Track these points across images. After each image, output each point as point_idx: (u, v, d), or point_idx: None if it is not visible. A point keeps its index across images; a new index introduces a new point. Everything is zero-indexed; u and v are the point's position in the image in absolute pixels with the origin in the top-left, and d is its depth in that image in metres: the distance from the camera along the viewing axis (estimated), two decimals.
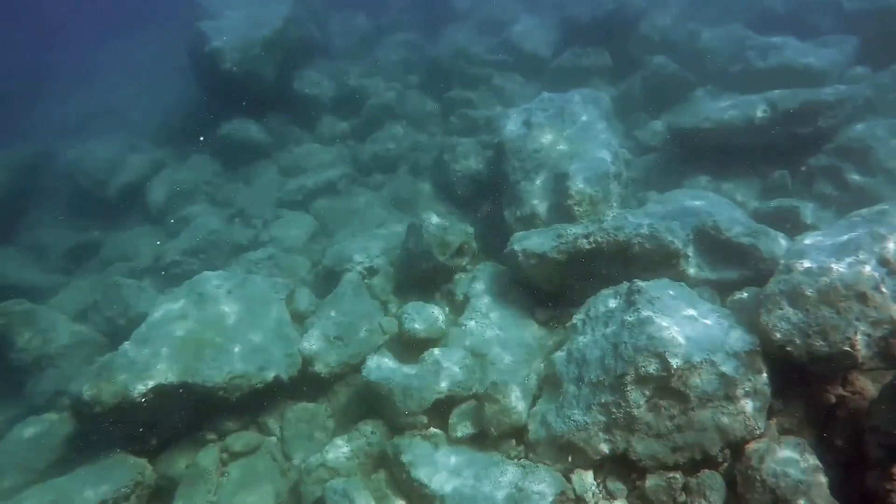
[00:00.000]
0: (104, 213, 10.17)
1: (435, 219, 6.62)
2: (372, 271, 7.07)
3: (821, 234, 4.96)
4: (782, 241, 5.55)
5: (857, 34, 8.11)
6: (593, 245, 5.51)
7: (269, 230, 8.21)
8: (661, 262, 5.59)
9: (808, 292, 4.32)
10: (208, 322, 5.99)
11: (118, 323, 7.33)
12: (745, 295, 5.24)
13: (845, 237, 4.75)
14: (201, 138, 9.99)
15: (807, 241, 4.78)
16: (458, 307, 6.42)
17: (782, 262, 4.66)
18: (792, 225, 6.02)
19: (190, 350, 5.68)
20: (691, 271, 5.82)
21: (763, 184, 6.98)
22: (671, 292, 4.96)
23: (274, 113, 10.45)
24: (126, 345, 5.75)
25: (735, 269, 5.68)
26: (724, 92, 8.47)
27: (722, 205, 6.28)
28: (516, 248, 5.81)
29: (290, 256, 7.69)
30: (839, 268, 4.28)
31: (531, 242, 5.76)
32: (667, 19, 9.46)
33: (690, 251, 5.90)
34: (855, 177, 6.32)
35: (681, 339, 4.47)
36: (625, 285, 5.13)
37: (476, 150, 8.25)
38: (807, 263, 4.44)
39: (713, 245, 5.84)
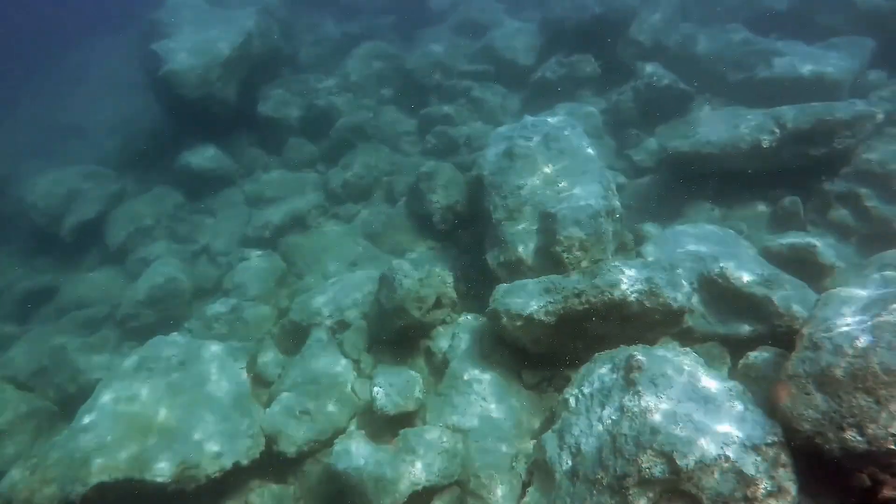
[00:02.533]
0: (60, 252, 9.47)
1: (408, 270, 5.92)
2: (343, 325, 6.39)
3: (848, 291, 4.29)
4: (800, 294, 4.89)
5: (871, 35, 7.35)
6: (586, 306, 4.84)
7: (233, 276, 7.49)
8: (662, 320, 4.92)
9: (840, 376, 3.65)
10: (158, 402, 5.35)
11: (68, 390, 6.68)
12: (760, 359, 4.58)
13: (879, 296, 4.08)
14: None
15: (833, 306, 4.11)
16: (438, 368, 5.76)
17: (806, 332, 3.99)
18: (809, 267, 5.34)
19: (137, 438, 5.05)
20: (697, 325, 5.17)
21: (773, 211, 6.29)
22: (675, 366, 4.28)
23: (239, 136, 9.71)
24: (65, 433, 5.15)
25: (746, 323, 5.03)
26: (725, 103, 7.75)
27: (729, 245, 5.60)
28: (499, 308, 5.12)
29: (255, 308, 6.99)
30: (877, 347, 3.61)
31: (516, 302, 5.07)
32: (658, 22, 8.66)
33: (695, 301, 5.24)
34: (877, 204, 5.63)
35: (691, 435, 3.81)
36: (622, 356, 4.46)
37: (455, 178, 7.52)
38: (837, 339, 3.77)
39: (721, 295, 5.18)
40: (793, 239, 5.45)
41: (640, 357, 4.26)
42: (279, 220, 8.09)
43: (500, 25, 10.21)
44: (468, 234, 7.21)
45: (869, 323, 3.78)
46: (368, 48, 10.21)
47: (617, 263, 5.02)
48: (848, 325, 3.84)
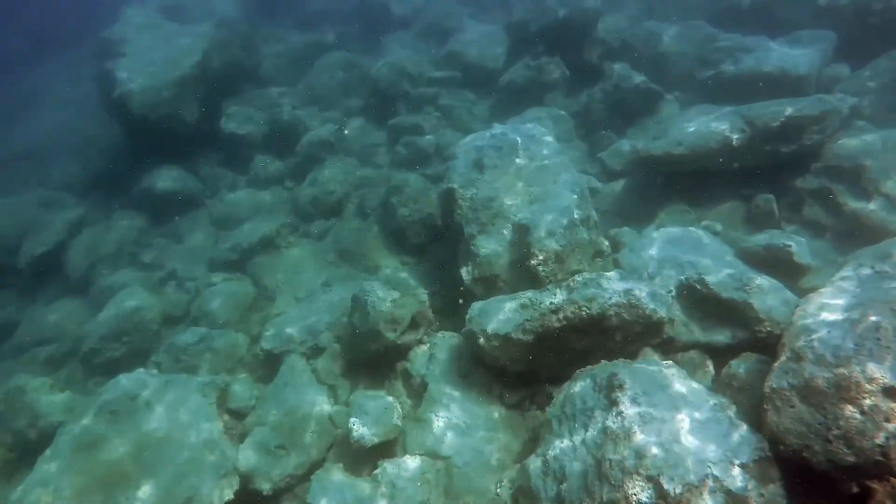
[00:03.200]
0: (18, 285, 9.06)
1: (380, 291, 5.73)
2: (316, 350, 6.18)
3: (827, 294, 4.22)
4: (779, 297, 4.81)
5: (832, 28, 7.35)
6: (564, 322, 4.70)
7: (201, 303, 7.20)
8: (643, 332, 4.81)
9: (824, 387, 3.56)
10: (123, 449, 5.09)
11: (28, 436, 6.32)
12: (742, 368, 4.49)
13: (857, 299, 4.02)
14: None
15: (813, 311, 4.02)
16: (416, 391, 5.56)
17: (787, 341, 3.90)
18: (786, 267, 5.27)
19: (100, 490, 4.79)
20: (678, 333, 5.06)
21: (747, 209, 6.23)
22: (658, 382, 4.16)
23: (203, 155, 9.40)
24: (20, 488, 4.86)
25: (727, 329, 4.93)
26: (694, 100, 7.69)
27: (706, 248, 5.50)
28: (475, 329, 4.96)
29: (225, 336, 6.72)
30: (859, 355, 3.53)
31: (492, 321, 4.91)
32: (624, 20, 8.58)
33: (675, 309, 5.14)
34: (849, 201, 5.59)
35: (677, 455, 3.69)
36: (603, 374, 4.32)
37: (426, 190, 7.34)
38: (818, 348, 3.68)
39: (701, 301, 5.08)
40: (768, 239, 5.37)
41: (621, 376, 4.13)
42: (247, 241, 7.81)
43: (464, 30, 10.04)
44: (442, 248, 7.03)
45: (849, 329, 3.70)
46: (332, 58, 9.96)
47: (594, 276, 4.89)
48: (829, 332, 3.75)
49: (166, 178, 8.85)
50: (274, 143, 9.01)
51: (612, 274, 4.93)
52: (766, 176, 6.20)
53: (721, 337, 4.92)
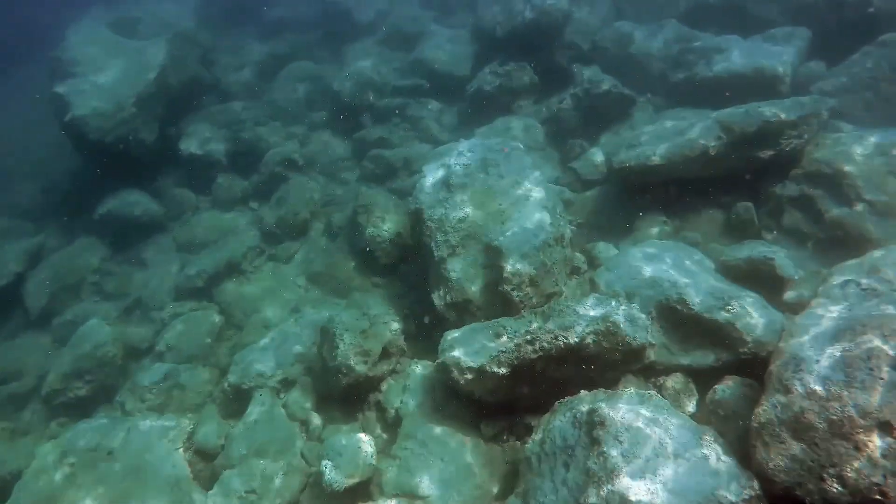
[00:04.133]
0: None
1: (349, 322, 5.46)
2: (287, 383, 5.90)
3: (813, 316, 4.02)
4: (763, 315, 4.61)
5: (806, 24, 7.17)
6: (540, 353, 4.46)
7: (166, 336, 6.86)
8: (622, 360, 4.59)
9: (815, 422, 3.35)
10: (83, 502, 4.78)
11: None
12: (728, 394, 4.28)
13: (845, 321, 3.82)
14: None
15: (800, 336, 3.82)
16: (391, 425, 5.30)
17: (775, 371, 3.69)
18: (768, 280, 5.08)
19: None
20: (659, 357, 4.84)
21: (727, 218, 6.03)
22: (641, 417, 3.93)
23: (164, 176, 9.02)
24: None
25: (710, 351, 4.73)
26: (668, 103, 7.49)
27: (685, 262, 5.29)
28: (448, 362, 4.70)
29: (192, 371, 6.40)
30: (851, 387, 3.31)
31: (465, 354, 4.66)
32: (593, 22, 8.33)
33: (655, 331, 4.92)
34: (830, 208, 5.41)
35: (663, 497, 3.47)
36: (583, 408, 4.08)
37: (395, 207, 7.05)
38: (808, 380, 3.46)
39: (682, 321, 4.87)
40: (749, 252, 5.18)
41: (602, 412, 3.89)
42: (212, 267, 7.48)
43: (430, 35, 9.73)
44: (414, 267, 6.76)
45: (839, 358, 3.50)
46: (295, 70, 9.59)
47: (570, 303, 4.66)
48: (818, 361, 3.55)
49: (126, 202, 8.46)
50: (237, 161, 8.66)
51: (588, 299, 4.69)
52: (744, 182, 6.00)
53: (704, 359, 4.72)
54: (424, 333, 6.13)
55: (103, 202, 8.40)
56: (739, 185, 6.06)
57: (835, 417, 3.29)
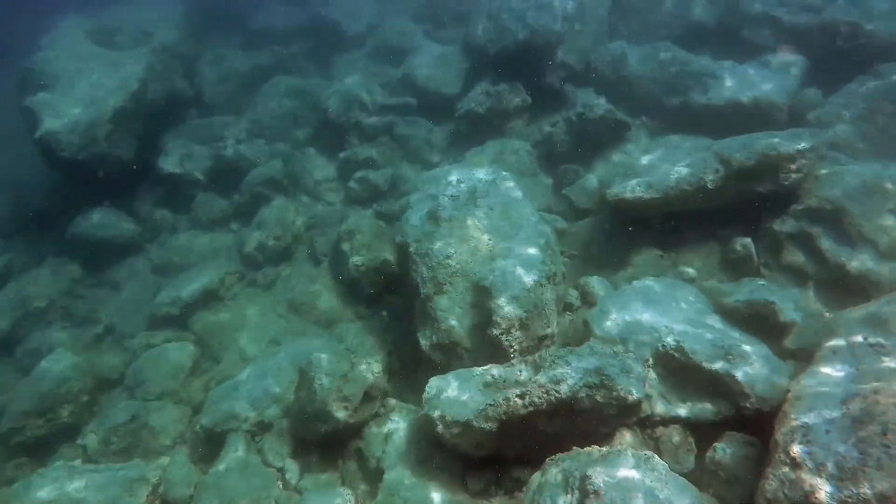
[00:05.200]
0: None
1: (328, 365, 5.16)
2: (263, 427, 5.56)
3: (820, 376, 3.78)
4: (765, 365, 4.39)
5: (800, 50, 6.99)
6: (530, 408, 4.20)
7: (136, 370, 6.51)
8: (617, 414, 4.33)
9: (827, 502, 3.11)
10: None
11: None
12: (729, 454, 4.04)
13: (855, 385, 3.59)
14: None
15: (807, 400, 3.58)
16: (372, 476, 4.99)
17: (781, 440, 3.44)
18: (769, 324, 4.86)
19: None
20: (656, 408, 4.60)
21: (724, 252, 5.81)
22: (638, 485, 3.68)
23: (141, 194, 8.65)
24: None
25: (709, 403, 4.49)
26: (663, 128, 7.30)
27: (682, 304, 5.06)
28: (432, 415, 4.42)
29: (162, 410, 6.05)
30: (866, 467, 3.07)
31: (451, 406, 4.38)
32: (586, 42, 8.09)
33: (652, 378, 4.68)
34: (831, 247, 5.20)
35: None
36: (576, 472, 3.81)
37: (380, 233, 6.77)
38: (817, 455, 3.22)
39: (680, 370, 4.62)
40: (749, 294, 4.95)
41: (596, 480, 3.63)
42: (189, 294, 7.11)
43: (420, 51, 9.43)
44: (400, 298, 6.48)
45: (851, 430, 3.25)
46: (279, 85, 9.26)
47: (562, 352, 4.40)
48: (827, 432, 3.31)
49: (100, 222, 8.08)
50: (217, 181, 8.32)
51: (582, 349, 4.44)
52: (742, 215, 5.79)
53: (703, 412, 4.48)
54: (409, 371, 5.87)
55: (75, 221, 8.02)
56: (737, 218, 5.84)
57: (849, 500, 3.05)
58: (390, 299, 6.65)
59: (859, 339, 4.00)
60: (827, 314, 4.96)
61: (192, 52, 10.42)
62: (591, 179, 6.78)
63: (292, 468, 5.32)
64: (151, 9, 10.71)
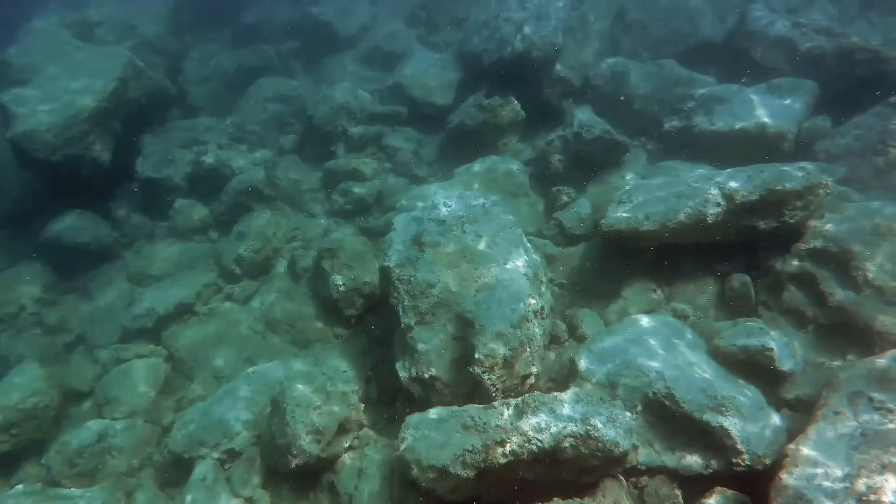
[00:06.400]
0: None
1: (301, 396, 4.90)
2: (232, 454, 5.30)
3: (821, 443, 3.54)
4: (758, 418, 4.15)
5: (810, 76, 6.71)
6: (510, 458, 3.94)
7: (106, 386, 6.23)
8: (602, 465, 4.08)
9: None
10: None
11: None
12: None
13: (858, 453, 3.36)
14: None
15: (805, 467, 3.35)
16: None
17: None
18: (766, 373, 4.61)
19: None
20: (643, 456, 4.35)
21: (720, 289, 5.56)
22: None
23: (119, 199, 8.31)
24: None
25: (699, 454, 4.25)
26: (662, 150, 7.03)
27: (675, 345, 4.81)
28: (408, 458, 4.17)
29: (130, 431, 5.78)
30: None
31: (427, 450, 4.12)
32: (586, 57, 7.80)
33: (640, 426, 4.43)
34: (834, 290, 4.94)
35: None
36: None
37: (363, 252, 6.49)
38: None
39: (669, 417, 4.38)
40: (746, 339, 4.70)
41: None
42: (164, 307, 6.83)
43: (412, 56, 9.10)
44: (381, 320, 6.20)
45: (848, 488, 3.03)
46: (265, 87, 8.92)
47: (546, 399, 4.15)
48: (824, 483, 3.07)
49: (74, 226, 7.73)
50: (197, 187, 7.99)
51: (567, 395, 4.18)
52: (741, 251, 5.53)
53: (692, 463, 4.24)
54: (387, 400, 5.61)
55: (49, 225, 7.68)
56: (736, 253, 5.59)
57: None
58: (371, 320, 6.38)
59: (864, 399, 3.77)
60: (828, 363, 4.71)
61: (178, 49, 10.08)
62: (584, 204, 6.49)
63: (262, 499, 5.06)
64: (137, 3, 10.35)
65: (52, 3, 9.47)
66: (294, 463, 4.80)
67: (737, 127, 6.34)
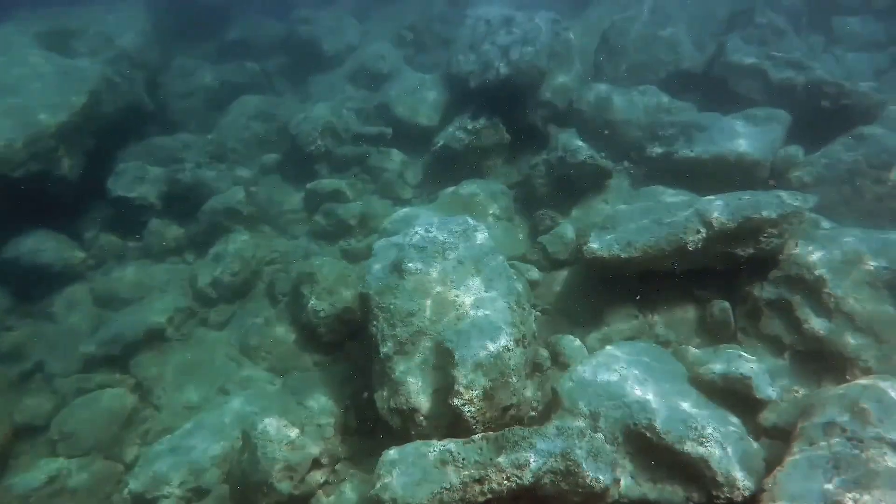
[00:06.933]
0: None
1: (273, 431, 4.74)
2: (199, 493, 5.08)
3: (796, 476, 3.53)
4: (739, 451, 4.12)
5: (784, 106, 6.87)
6: (489, 496, 3.84)
7: (64, 419, 5.91)
8: (582, 501, 4.00)
9: None
10: None
11: None
12: None
13: (832, 486, 3.36)
14: None
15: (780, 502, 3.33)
16: None
17: None
18: (744, 400, 4.62)
19: None
20: (624, 489, 4.29)
21: (701, 314, 5.58)
22: None
23: (89, 217, 8.04)
24: None
25: (680, 486, 4.19)
26: (644, 174, 7.09)
27: (657, 373, 4.77)
28: (384, 496, 4.01)
29: (90, 469, 5.49)
30: None
31: (404, 488, 3.98)
32: (570, 82, 7.85)
33: (620, 457, 4.37)
34: (808, 317, 4.99)
35: None
36: None
37: (343, 276, 6.36)
38: None
39: (650, 449, 4.32)
40: (725, 367, 4.69)
41: None
42: (131, 332, 6.56)
43: (399, 77, 9.08)
44: (360, 347, 6.07)
45: None
46: (248, 105, 8.79)
47: (526, 433, 4.05)
48: None
49: (37, 246, 7.41)
50: (173, 206, 7.78)
51: (547, 429, 4.10)
52: (721, 277, 5.57)
53: (673, 495, 4.18)
54: (366, 429, 5.46)
55: (9, 245, 7.36)
56: (716, 279, 5.62)
57: None
58: (351, 346, 6.25)
59: (836, 429, 3.78)
60: (803, 392, 4.75)
61: (158, 63, 9.88)
62: (568, 229, 6.49)
63: None
64: (117, 12, 10.09)
65: (23, 11, 9.15)
66: (265, 502, 4.63)
67: (715, 154, 6.44)
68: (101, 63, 8.68)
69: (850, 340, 4.81)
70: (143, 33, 10.10)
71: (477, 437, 4.27)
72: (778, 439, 4.53)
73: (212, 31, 11.44)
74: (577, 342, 5.56)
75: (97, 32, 9.65)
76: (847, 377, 4.64)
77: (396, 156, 8.10)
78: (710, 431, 4.20)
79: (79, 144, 7.82)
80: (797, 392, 4.79)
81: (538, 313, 6.02)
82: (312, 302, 6.17)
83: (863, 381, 4.24)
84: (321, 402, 5.62)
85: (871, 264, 4.99)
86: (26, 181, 7.27)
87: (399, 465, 4.20)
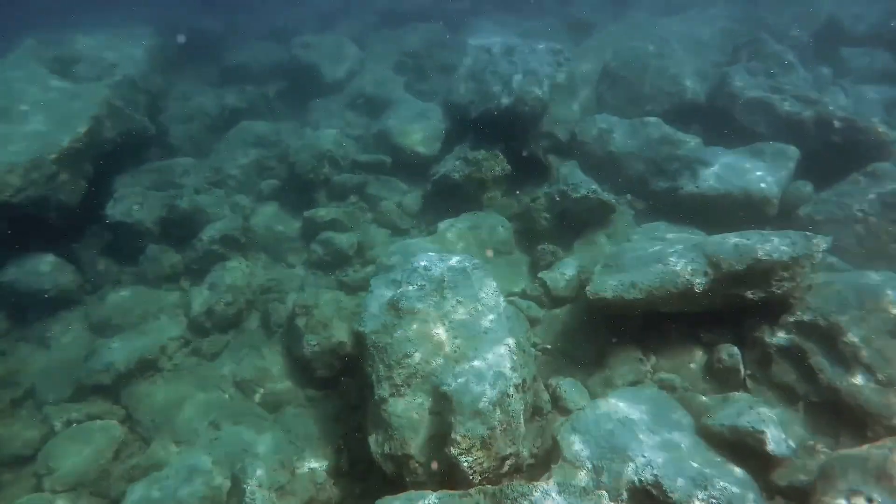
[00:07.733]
0: None
1: (263, 473, 4.53)
2: None
3: None
4: None
5: (791, 140, 6.73)
6: None
7: (50, 453, 5.75)
8: None
9: None
10: None
11: None
12: None
13: None
14: None
15: None
16: None
17: None
18: (755, 455, 4.39)
19: None
20: None
21: (708, 360, 5.37)
22: None
23: (86, 242, 7.95)
24: None
25: None
26: (648, 209, 6.94)
27: (662, 424, 4.57)
28: None
29: None
30: None
31: None
32: (573, 113, 7.77)
33: None
34: (825, 367, 4.78)
35: None
36: None
37: (340, 310, 6.22)
38: None
39: None
40: (736, 419, 4.48)
41: None
42: (124, 362, 6.41)
43: (399, 104, 9.02)
44: (355, 383, 5.89)
45: None
46: (246, 131, 8.73)
47: (526, 490, 3.85)
48: None
49: (35, 271, 7.35)
50: (170, 232, 7.68)
51: (548, 486, 3.90)
52: (729, 319, 5.38)
53: None
54: (360, 472, 5.25)
55: (6, 268, 7.28)
56: (724, 322, 5.43)
57: None
58: (345, 382, 6.07)
59: (861, 498, 3.55)
60: (821, 448, 4.51)
61: (160, 88, 9.87)
62: (570, 264, 6.32)
63: None
64: (121, 38, 10.15)
65: (28, 35, 9.21)
66: None
67: (721, 191, 6.29)
68: (105, 88, 8.66)
69: (873, 395, 4.57)
70: (146, 59, 10.13)
71: (474, 490, 4.07)
72: (794, 500, 4.27)
73: (213, 57, 11.48)
74: (579, 385, 5.37)
75: (101, 58, 9.69)
76: (868, 434, 4.40)
77: (395, 185, 7.99)
78: (720, 491, 3.99)
79: (79, 170, 7.76)
80: (813, 445, 4.55)
81: (538, 353, 5.83)
82: (307, 336, 6.02)
83: (888, 441, 3.99)
84: (314, 441, 5.43)
85: (894, 311, 4.78)
86: (26, 206, 7.20)
87: None
